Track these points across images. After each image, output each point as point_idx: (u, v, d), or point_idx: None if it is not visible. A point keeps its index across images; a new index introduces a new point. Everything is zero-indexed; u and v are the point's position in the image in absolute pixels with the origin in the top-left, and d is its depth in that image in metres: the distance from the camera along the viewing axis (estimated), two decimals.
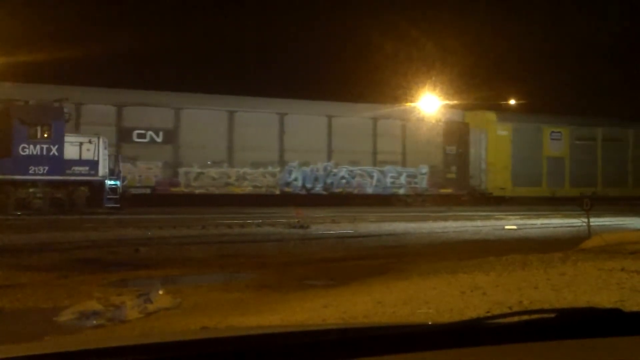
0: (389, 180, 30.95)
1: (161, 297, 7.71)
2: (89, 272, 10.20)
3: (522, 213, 24.55)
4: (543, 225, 20.22)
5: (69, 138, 21.62)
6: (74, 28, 38.57)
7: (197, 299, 7.99)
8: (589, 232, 13.63)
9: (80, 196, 21.69)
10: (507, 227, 19.60)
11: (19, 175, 20.97)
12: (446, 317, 5.87)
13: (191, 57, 47.26)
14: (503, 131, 33.27)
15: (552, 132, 34.62)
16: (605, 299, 6.51)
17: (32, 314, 7.34)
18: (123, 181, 22.95)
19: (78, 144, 21.74)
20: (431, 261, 10.84)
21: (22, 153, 20.99)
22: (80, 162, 21.69)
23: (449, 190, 31.90)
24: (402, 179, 31.22)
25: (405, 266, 10.36)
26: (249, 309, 7.07)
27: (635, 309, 5.53)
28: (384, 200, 30.36)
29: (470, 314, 5.90)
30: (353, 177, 30.34)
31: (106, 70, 34.39)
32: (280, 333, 1.94)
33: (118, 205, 21.91)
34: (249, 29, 53.26)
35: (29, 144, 21.07)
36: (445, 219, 21.70)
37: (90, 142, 21.92)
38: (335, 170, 30.03)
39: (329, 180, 29.98)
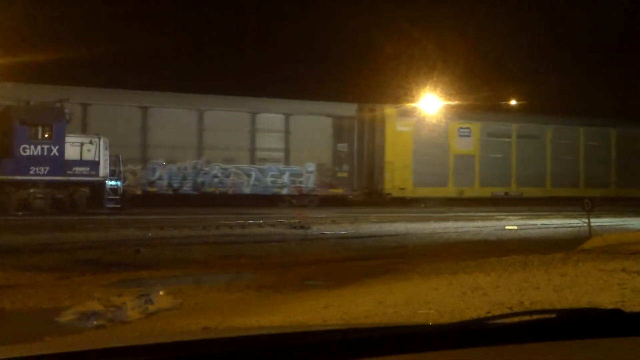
0: (269, 179, 28.35)
1: (162, 297, 7.72)
2: (90, 273, 10.21)
3: (522, 213, 24.55)
4: (544, 226, 20.21)
5: (69, 139, 21.63)
6: (74, 28, 38.49)
7: (198, 300, 8.00)
8: (590, 233, 13.63)
9: (81, 197, 21.69)
10: (507, 227, 19.60)
11: (20, 175, 20.98)
12: (447, 318, 5.88)
13: (191, 58, 47.15)
14: (403, 127, 30.52)
15: (460, 127, 31.78)
16: (606, 300, 6.51)
17: (33, 315, 7.35)
18: (124, 182, 22.95)
19: (79, 144, 21.75)
20: (432, 262, 10.84)
21: (23, 154, 20.99)
22: (81, 162, 21.69)
23: (339, 191, 29.45)
24: (285, 178, 28.60)
25: (406, 267, 10.36)
26: (250, 309, 7.08)
27: (636, 309, 5.53)
28: (265, 201, 28.08)
29: (471, 314, 5.91)
30: (227, 176, 27.74)
31: (108, 70, 34.34)
32: (281, 334, 1.94)
33: (119, 206, 21.91)
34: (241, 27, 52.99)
35: (29, 145, 21.08)
36: (446, 219, 21.70)
37: (91, 142, 21.93)
38: (206, 168, 27.44)
39: (199, 179, 27.39)
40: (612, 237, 12.67)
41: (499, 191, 32.32)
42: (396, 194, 30.28)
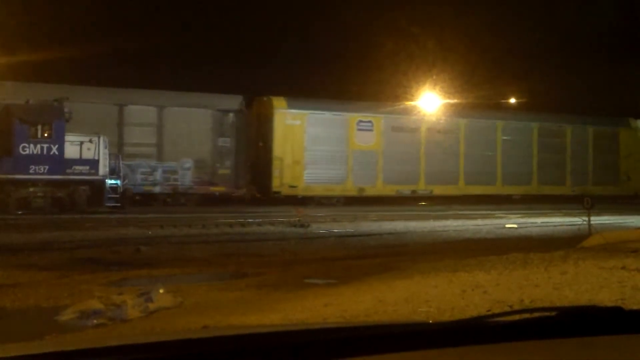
0: (139, 176, 25.78)
1: (162, 296, 7.72)
2: (90, 271, 10.21)
3: (522, 212, 24.56)
4: (543, 224, 20.23)
5: (69, 137, 21.62)
6: (74, 28, 38.43)
7: (198, 298, 8.01)
8: (590, 231, 13.64)
9: (80, 195, 21.68)
10: (507, 225, 19.61)
11: (20, 174, 20.96)
12: (447, 316, 5.88)
13: (191, 56, 47.05)
14: (294, 120, 27.98)
15: (360, 121, 29.07)
16: (606, 298, 6.51)
17: (33, 313, 7.36)
18: (123, 180, 22.93)
19: (78, 143, 21.73)
20: (432, 260, 10.84)
21: (22, 152, 20.98)
22: (81, 161, 21.68)
23: (221, 189, 27.09)
24: (158, 175, 26.12)
25: (406, 265, 10.36)
26: (250, 308, 7.08)
27: (636, 307, 5.53)
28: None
29: (472, 312, 5.91)
30: None
31: (107, 69, 34.27)
32: (281, 332, 1.94)
33: (119, 205, 21.91)
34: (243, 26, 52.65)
35: (29, 144, 21.07)
36: (446, 217, 21.71)
37: (90, 141, 21.91)
38: None
39: None
40: (612, 235, 12.66)
41: (405, 189, 30.02)
42: (286, 192, 27.81)
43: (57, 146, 21.24)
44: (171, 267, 10.85)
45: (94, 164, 21.79)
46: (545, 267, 8.65)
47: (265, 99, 28.53)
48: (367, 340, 1.70)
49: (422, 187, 30.38)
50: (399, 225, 18.86)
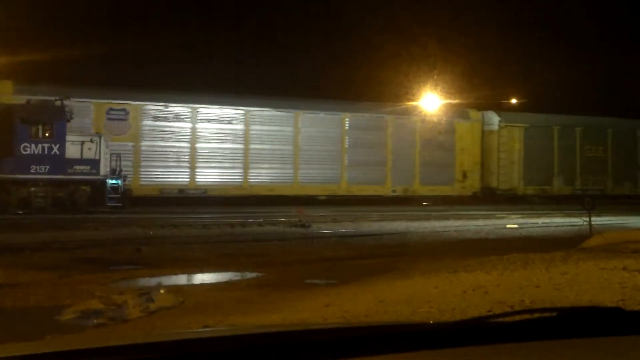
0: None
1: (163, 296, 7.73)
2: (91, 272, 10.22)
3: (523, 212, 24.55)
4: (544, 224, 20.21)
5: (70, 137, 21.62)
6: (73, 28, 38.46)
7: (199, 298, 8.01)
8: (591, 231, 13.63)
9: (81, 195, 21.69)
10: (508, 226, 19.61)
11: (21, 174, 20.97)
12: (448, 316, 5.87)
13: (191, 56, 47.11)
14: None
15: (111, 109, 24.87)
16: (607, 298, 6.50)
17: (33, 313, 7.36)
18: (124, 180, 22.93)
19: (79, 143, 21.74)
20: (433, 260, 10.84)
21: (23, 152, 20.99)
22: (82, 161, 21.69)
23: None
24: None
25: (406, 265, 10.36)
26: (251, 308, 7.08)
27: (637, 308, 5.53)
28: None
29: (472, 313, 5.90)
30: None
31: (107, 68, 34.32)
32: (281, 332, 1.94)
33: (120, 205, 21.90)
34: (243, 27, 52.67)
35: (30, 143, 21.07)
36: (447, 217, 21.70)
37: (91, 141, 21.93)
38: None
39: None
40: (613, 236, 12.65)
41: (171, 189, 25.93)
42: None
43: (58, 146, 21.25)
44: (172, 267, 10.85)
45: (95, 163, 21.80)
46: (546, 267, 8.64)
47: None
48: (368, 340, 1.70)
49: (193, 187, 26.31)
50: (400, 226, 18.86)
